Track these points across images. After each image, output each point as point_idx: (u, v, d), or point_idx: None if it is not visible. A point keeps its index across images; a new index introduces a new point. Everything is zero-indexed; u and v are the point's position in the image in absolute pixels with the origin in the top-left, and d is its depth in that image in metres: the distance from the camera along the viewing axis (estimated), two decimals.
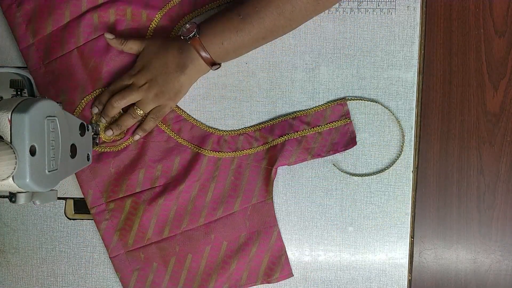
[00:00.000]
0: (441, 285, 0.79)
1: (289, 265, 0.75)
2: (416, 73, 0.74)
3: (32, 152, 0.52)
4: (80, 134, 0.65)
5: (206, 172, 0.74)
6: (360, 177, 0.75)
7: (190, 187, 0.74)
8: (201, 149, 0.73)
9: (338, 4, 0.73)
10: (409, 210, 0.76)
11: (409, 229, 0.76)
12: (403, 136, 0.74)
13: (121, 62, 0.72)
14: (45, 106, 0.54)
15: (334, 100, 0.74)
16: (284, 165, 0.74)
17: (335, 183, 0.76)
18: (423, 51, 0.75)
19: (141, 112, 0.70)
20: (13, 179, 0.51)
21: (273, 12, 0.63)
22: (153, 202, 0.73)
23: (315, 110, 0.74)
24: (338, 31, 0.74)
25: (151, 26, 0.73)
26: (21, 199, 0.54)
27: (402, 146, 0.74)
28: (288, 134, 0.73)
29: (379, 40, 0.74)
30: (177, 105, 0.74)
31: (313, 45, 0.74)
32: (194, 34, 0.65)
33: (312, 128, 0.73)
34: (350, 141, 0.74)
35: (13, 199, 0.54)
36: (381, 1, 0.74)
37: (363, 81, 0.75)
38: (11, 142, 0.51)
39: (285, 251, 0.75)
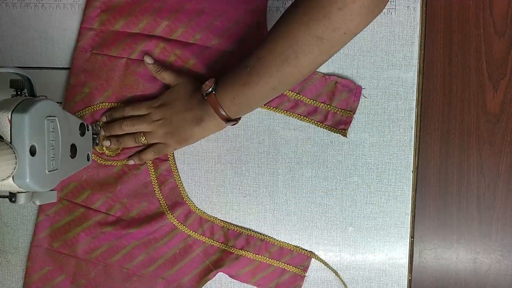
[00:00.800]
0: (441, 285, 0.79)
1: None
2: (416, 73, 0.74)
3: (32, 152, 0.52)
4: (80, 134, 0.65)
5: (159, 232, 0.74)
6: (360, 178, 0.75)
7: (138, 236, 0.74)
8: (168, 212, 0.74)
9: None
10: (409, 210, 0.76)
11: (409, 229, 0.76)
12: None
13: (152, 94, 0.73)
14: (45, 106, 0.54)
15: (304, 249, 0.75)
16: (225, 273, 0.75)
17: (335, 183, 0.76)
18: (423, 51, 0.75)
19: (145, 141, 0.71)
20: (13, 179, 0.51)
21: (277, 60, 0.59)
22: (99, 226, 0.74)
23: (282, 245, 0.75)
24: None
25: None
26: (21, 199, 0.54)
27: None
28: (247, 251, 0.75)
29: (379, 40, 0.74)
30: (174, 160, 0.75)
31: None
32: (211, 90, 0.65)
33: (270, 259, 0.75)
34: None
35: (13, 199, 0.54)
36: None
37: (363, 81, 0.75)
38: (11, 142, 0.51)
39: None
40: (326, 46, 0.58)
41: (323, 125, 0.74)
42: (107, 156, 0.74)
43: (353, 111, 0.73)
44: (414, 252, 0.77)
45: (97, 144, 0.72)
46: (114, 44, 0.73)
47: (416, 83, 0.74)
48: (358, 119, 0.75)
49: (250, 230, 0.75)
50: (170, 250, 0.74)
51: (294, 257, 0.75)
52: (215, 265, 0.74)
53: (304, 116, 0.74)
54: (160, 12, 0.72)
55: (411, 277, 0.77)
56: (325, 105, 0.74)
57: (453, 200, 0.78)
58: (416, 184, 0.76)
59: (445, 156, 0.77)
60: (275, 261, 0.75)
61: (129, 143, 0.72)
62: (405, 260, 0.76)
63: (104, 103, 0.73)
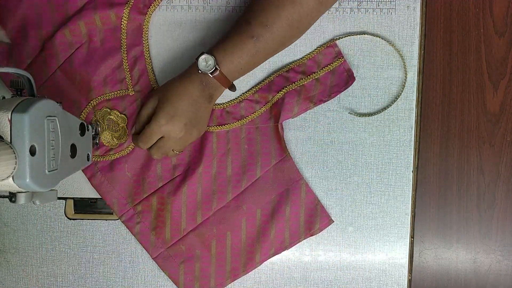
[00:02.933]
0: (441, 285, 0.79)
1: (326, 212, 0.75)
2: (416, 73, 0.74)
3: (32, 152, 0.52)
4: (80, 134, 0.65)
5: (219, 148, 0.74)
6: (360, 178, 0.75)
7: (208, 167, 0.74)
8: (208, 127, 0.73)
9: (338, 4, 0.73)
10: (409, 210, 0.76)
11: (409, 229, 0.76)
12: (406, 73, 0.73)
13: (106, 68, 0.73)
14: (45, 106, 0.54)
15: (323, 44, 0.74)
16: (288, 118, 0.73)
17: (335, 183, 0.76)
18: (423, 51, 0.75)
19: (176, 152, 0.71)
20: (13, 179, 0.51)
21: (284, 25, 0.64)
22: (178, 192, 0.74)
23: (307, 58, 0.74)
24: (338, 31, 0.74)
25: (122, 23, 0.73)
26: (21, 199, 0.54)
27: (404, 84, 0.73)
28: (286, 87, 0.73)
29: (379, 40, 0.74)
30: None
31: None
32: (215, 69, 0.65)
33: (308, 76, 0.73)
34: (348, 79, 0.73)
35: (13, 199, 0.54)
36: (381, 1, 0.74)
37: (363, 81, 0.75)
38: (11, 142, 0.51)
39: (318, 201, 0.75)
40: (323, 9, 0.66)
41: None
42: (124, 143, 0.73)
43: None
44: (414, 252, 0.77)
45: (97, 144, 0.72)
46: (41, 69, 0.72)
47: (416, 83, 0.74)
48: (358, 119, 0.75)
49: (273, 72, 0.74)
50: (240, 152, 0.73)
51: (324, 57, 0.73)
52: (277, 121, 0.73)
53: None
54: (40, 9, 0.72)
55: (411, 277, 0.77)
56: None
57: (453, 200, 0.78)
58: (416, 184, 0.76)
59: (445, 156, 0.77)
60: (313, 74, 0.73)
61: (156, 156, 0.70)
62: (405, 260, 0.76)
63: (82, 113, 0.73)
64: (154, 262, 0.76)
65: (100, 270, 0.77)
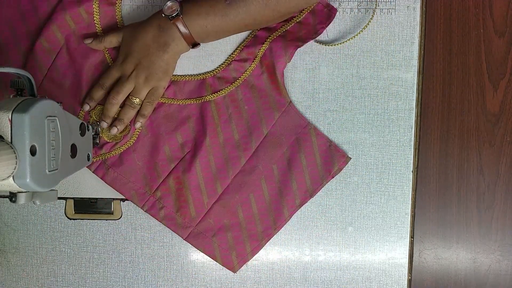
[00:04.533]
0: (441, 285, 0.79)
1: (341, 150, 0.74)
2: (416, 73, 0.74)
3: (33, 152, 0.52)
4: (80, 134, 0.65)
5: (220, 115, 0.74)
6: (360, 178, 0.75)
7: (215, 136, 0.74)
8: (203, 97, 0.73)
9: (338, 4, 0.73)
10: (409, 210, 0.76)
11: (409, 229, 0.76)
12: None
13: (91, 67, 0.73)
14: (46, 106, 0.54)
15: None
16: (283, 64, 0.73)
17: (335, 183, 0.76)
18: (423, 51, 0.75)
19: (138, 100, 0.71)
20: (13, 179, 0.51)
21: (259, 1, 0.64)
22: (192, 168, 0.73)
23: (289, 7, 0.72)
24: (338, 31, 0.74)
25: (95, 18, 0.73)
26: (21, 199, 0.54)
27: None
28: (270, 37, 0.73)
29: (379, 40, 0.74)
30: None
31: (313, 45, 0.74)
32: (178, 13, 0.65)
33: (289, 21, 0.73)
34: (330, 13, 0.73)
35: (13, 199, 0.54)
36: (381, 1, 0.74)
37: (363, 81, 0.75)
38: (11, 142, 0.51)
39: (331, 141, 0.74)
40: None
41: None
42: (127, 135, 0.73)
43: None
44: (414, 252, 0.77)
45: (97, 144, 0.72)
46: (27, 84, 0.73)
47: (416, 83, 0.74)
48: (358, 119, 0.75)
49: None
50: (241, 113, 0.73)
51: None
52: (271, 70, 0.73)
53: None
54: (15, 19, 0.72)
55: (411, 277, 0.77)
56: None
57: (453, 200, 0.78)
58: (416, 184, 0.76)
59: (445, 156, 0.77)
60: (294, 19, 0.72)
61: (129, 113, 0.71)
62: (405, 260, 0.76)
63: (78, 116, 0.73)
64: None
65: (100, 270, 0.77)
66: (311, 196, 0.74)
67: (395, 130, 0.75)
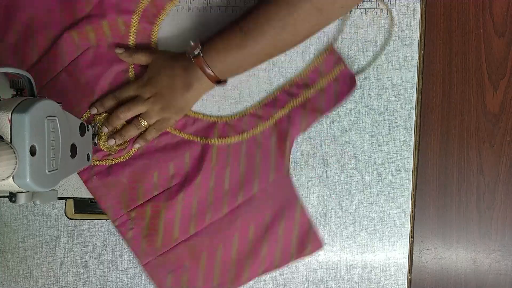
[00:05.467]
0: (441, 285, 0.79)
1: (318, 236, 0.74)
2: (416, 73, 0.74)
3: (32, 152, 0.52)
4: (80, 134, 0.65)
5: (218, 161, 0.73)
6: (360, 178, 0.75)
7: (206, 179, 0.73)
8: (209, 139, 0.73)
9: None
10: (409, 210, 0.76)
11: (409, 229, 0.76)
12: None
13: (111, 75, 0.73)
14: (45, 106, 0.54)
15: (322, 51, 0.73)
16: (297, 134, 0.73)
17: (335, 183, 0.76)
18: (423, 51, 0.75)
19: (145, 123, 0.71)
20: (13, 179, 0.51)
21: (275, 26, 0.62)
22: (173, 201, 0.73)
23: (308, 70, 0.73)
24: (338, 31, 0.74)
25: (131, 32, 0.72)
26: (21, 199, 0.54)
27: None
28: (290, 103, 0.73)
29: (379, 40, 0.74)
30: None
31: (313, 45, 0.74)
32: (198, 53, 0.65)
33: (312, 86, 0.73)
34: (351, 84, 0.73)
35: (13, 199, 0.54)
36: (381, 1, 0.74)
37: (363, 81, 0.75)
38: (11, 142, 0.51)
39: (312, 224, 0.74)
40: (323, 17, 0.62)
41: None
42: (124, 150, 0.73)
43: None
44: (414, 252, 0.77)
45: (95, 145, 0.72)
46: (45, 68, 0.72)
47: (416, 83, 0.74)
48: (358, 119, 0.75)
49: (276, 88, 0.74)
50: (239, 166, 0.73)
51: (324, 64, 0.73)
52: (281, 139, 0.73)
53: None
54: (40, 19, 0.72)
55: (411, 277, 0.77)
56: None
57: (453, 200, 0.78)
58: (416, 184, 0.76)
59: (445, 156, 0.77)
60: (316, 84, 0.72)
61: (132, 132, 0.71)
62: (405, 260, 0.76)
63: (83, 115, 0.73)
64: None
65: (100, 270, 0.77)
66: (276, 268, 0.74)
67: (395, 130, 0.75)
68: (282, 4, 0.62)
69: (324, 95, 0.73)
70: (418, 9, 0.73)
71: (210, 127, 0.74)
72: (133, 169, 0.74)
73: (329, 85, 0.73)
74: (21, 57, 0.73)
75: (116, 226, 0.75)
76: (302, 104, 0.73)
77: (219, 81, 0.68)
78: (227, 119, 0.74)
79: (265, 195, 0.74)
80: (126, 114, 0.70)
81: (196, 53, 0.65)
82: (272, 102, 0.73)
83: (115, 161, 0.74)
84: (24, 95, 0.57)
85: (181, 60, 0.68)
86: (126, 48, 0.72)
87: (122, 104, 0.71)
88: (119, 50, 0.72)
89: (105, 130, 0.72)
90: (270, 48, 0.65)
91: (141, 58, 0.71)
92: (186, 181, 0.74)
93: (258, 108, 0.74)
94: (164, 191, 0.74)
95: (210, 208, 0.73)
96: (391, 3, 0.74)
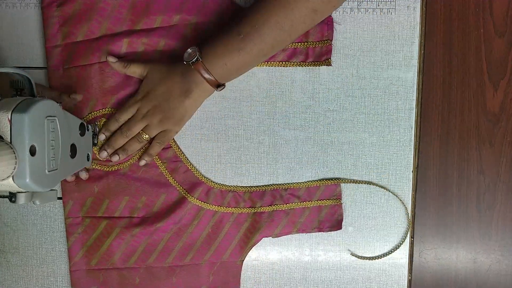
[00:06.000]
0: (441, 285, 0.79)
1: None
2: (416, 73, 0.74)
3: (32, 152, 0.52)
4: (80, 134, 0.65)
5: (186, 218, 0.74)
6: (360, 178, 0.75)
7: (167, 228, 0.74)
8: (188, 195, 0.74)
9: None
10: (409, 210, 0.76)
11: (409, 229, 0.76)
12: None
13: (135, 89, 0.73)
14: (45, 106, 0.54)
15: (329, 179, 0.75)
16: (268, 236, 0.75)
17: None
18: (423, 51, 0.75)
19: (147, 136, 0.71)
20: (13, 179, 0.51)
21: (273, 28, 0.63)
22: (127, 230, 0.74)
23: (308, 185, 0.75)
24: (338, 31, 0.74)
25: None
26: (21, 199, 0.54)
27: None
28: (277, 205, 0.74)
29: (379, 40, 0.74)
30: (178, 146, 0.75)
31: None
32: (197, 58, 0.65)
33: (301, 202, 0.74)
34: (336, 224, 0.75)
35: (13, 199, 0.54)
36: (381, 1, 0.74)
37: (363, 81, 0.75)
38: (11, 142, 0.51)
39: None
40: (318, 16, 0.65)
41: (307, 63, 0.73)
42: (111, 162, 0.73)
43: (330, 38, 0.73)
44: (414, 252, 0.77)
45: (95, 144, 0.72)
46: (82, 53, 0.72)
47: (416, 83, 0.74)
48: (358, 119, 0.75)
49: (272, 184, 0.75)
50: (202, 231, 0.74)
51: (324, 191, 0.74)
52: (251, 231, 0.74)
53: (285, 62, 0.73)
54: (118, 9, 0.72)
55: (411, 277, 0.77)
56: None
57: (453, 200, 0.78)
58: (416, 184, 0.76)
59: (445, 156, 0.77)
60: (307, 202, 0.74)
61: (135, 146, 0.72)
62: (405, 260, 0.76)
63: (92, 113, 0.73)
64: None
65: None
66: None
67: (395, 130, 0.75)
68: (279, 7, 0.62)
69: (308, 214, 0.74)
70: (418, 9, 0.73)
71: (196, 185, 0.75)
72: (109, 183, 0.74)
73: (318, 208, 0.74)
74: (69, 29, 0.72)
75: (66, 224, 0.75)
76: (286, 211, 0.74)
77: (219, 85, 0.68)
78: (214, 185, 0.75)
79: (210, 269, 0.75)
80: (127, 134, 0.71)
81: (194, 59, 0.65)
82: (261, 193, 0.75)
83: (97, 167, 0.74)
84: (24, 95, 0.57)
85: (178, 68, 0.68)
86: (120, 58, 0.72)
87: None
88: (111, 59, 0.71)
89: (102, 137, 0.72)
90: (268, 49, 0.66)
91: (136, 71, 0.71)
92: (148, 220, 0.74)
93: (246, 191, 0.75)
94: (125, 217, 0.74)
95: (156, 253, 0.74)
96: (391, 3, 0.74)
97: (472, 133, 0.77)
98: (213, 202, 0.74)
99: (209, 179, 0.75)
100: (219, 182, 0.75)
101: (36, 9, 0.75)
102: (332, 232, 0.76)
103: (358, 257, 0.76)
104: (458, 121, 0.77)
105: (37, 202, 0.57)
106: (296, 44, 0.73)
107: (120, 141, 0.72)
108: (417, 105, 0.75)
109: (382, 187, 0.74)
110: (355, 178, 0.76)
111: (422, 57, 0.74)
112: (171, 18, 0.72)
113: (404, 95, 0.74)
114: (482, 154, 0.77)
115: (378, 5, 0.74)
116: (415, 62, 0.74)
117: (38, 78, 0.74)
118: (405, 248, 0.76)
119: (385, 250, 0.76)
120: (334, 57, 0.74)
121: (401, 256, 0.76)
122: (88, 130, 0.67)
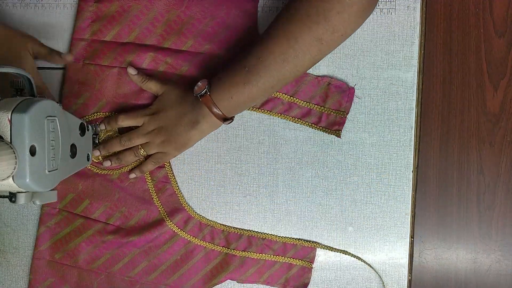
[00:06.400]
0: (441, 285, 0.79)
1: None
2: (416, 73, 0.74)
3: (32, 152, 0.52)
4: (80, 134, 0.65)
5: (159, 239, 0.74)
6: (360, 178, 0.75)
7: (138, 243, 0.74)
8: (167, 219, 0.74)
9: None
10: (409, 210, 0.76)
11: (409, 229, 0.76)
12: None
13: (146, 103, 0.73)
14: (45, 106, 0.54)
15: (307, 241, 0.75)
16: (233, 279, 0.75)
17: (335, 183, 0.76)
18: (423, 51, 0.75)
19: (144, 153, 0.71)
20: (13, 179, 0.51)
21: (277, 60, 0.62)
22: (100, 235, 0.74)
23: (285, 241, 0.75)
24: None
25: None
26: (21, 199, 0.54)
27: None
28: (250, 252, 0.74)
29: (379, 40, 0.74)
30: (171, 168, 0.75)
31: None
32: (205, 91, 0.65)
33: (275, 255, 0.75)
34: (301, 286, 0.75)
35: (13, 199, 0.54)
36: (381, 1, 0.74)
37: (363, 81, 0.75)
38: (11, 142, 0.51)
39: None
40: (324, 46, 0.61)
41: (317, 127, 0.74)
42: (99, 159, 0.74)
43: (346, 111, 0.73)
44: (414, 252, 0.77)
45: (95, 144, 0.72)
46: (106, 54, 0.72)
47: (416, 83, 0.74)
48: (358, 119, 0.75)
49: (250, 231, 0.75)
50: (171, 256, 0.74)
51: (299, 250, 0.75)
52: (219, 270, 0.74)
53: (298, 119, 0.74)
54: (152, 21, 0.72)
55: (411, 277, 0.77)
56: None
57: (453, 200, 0.78)
58: (416, 184, 0.76)
59: (445, 156, 0.77)
60: (280, 257, 0.75)
61: (130, 158, 0.72)
62: (405, 260, 0.76)
63: (98, 113, 0.73)
64: None
65: None
66: None
67: (395, 130, 0.75)
68: (282, 37, 0.61)
69: (277, 268, 0.75)
70: (418, 9, 0.73)
71: (178, 211, 0.75)
72: (94, 185, 0.74)
73: (288, 266, 0.75)
74: (99, 27, 0.72)
75: (42, 212, 0.75)
76: (257, 260, 0.74)
77: (226, 119, 0.68)
78: (195, 215, 0.75)
79: None
80: (125, 144, 0.71)
81: (203, 92, 0.65)
82: (238, 236, 0.75)
83: (89, 167, 0.74)
84: (24, 95, 0.57)
85: (190, 98, 0.68)
86: (140, 71, 0.72)
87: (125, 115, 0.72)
88: (132, 71, 0.71)
89: (102, 152, 0.72)
90: (274, 81, 0.64)
91: (152, 88, 0.71)
92: (123, 231, 0.74)
93: (224, 230, 0.75)
94: (100, 222, 0.74)
95: (121, 264, 0.74)
96: (391, 3, 0.74)
97: (472, 133, 0.77)
98: (190, 232, 0.75)
99: (191, 208, 0.75)
100: (200, 214, 0.75)
101: (36, 9, 0.75)
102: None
103: (358, 258, 0.76)
104: (458, 121, 0.77)
105: (37, 202, 0.57)
106: (313, 105, 0.73)
107: (115, 147, 0.72)
108: (417, 105, 0.75)
109: (357, 258, 0.75)
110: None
111: (422, 57, 0.74)
112: (201, 46, 0.72)
113: (404, 95, 0.74)
114: (482, 154, 0.77)
115: (378, 5, 0.74)
116: (415, 62, 0.74)
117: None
118: (405, 248, 0.76)
119: (385, 250, 0.76)
120: (334, 57, 0.74)
121: (401, 256, 0.76)
122: (88, 130, 0.67)
